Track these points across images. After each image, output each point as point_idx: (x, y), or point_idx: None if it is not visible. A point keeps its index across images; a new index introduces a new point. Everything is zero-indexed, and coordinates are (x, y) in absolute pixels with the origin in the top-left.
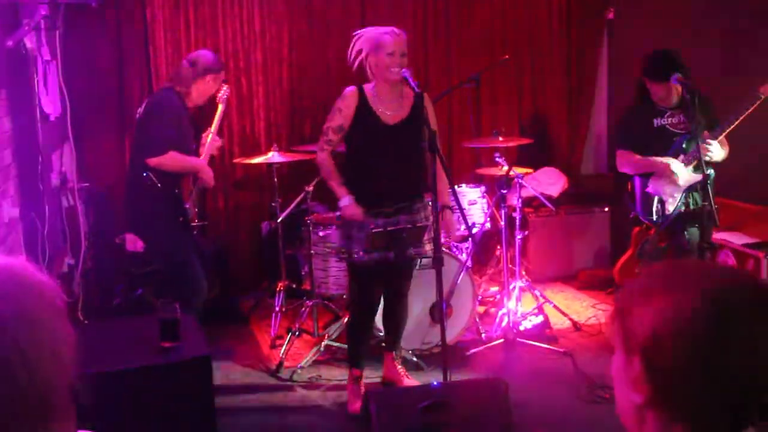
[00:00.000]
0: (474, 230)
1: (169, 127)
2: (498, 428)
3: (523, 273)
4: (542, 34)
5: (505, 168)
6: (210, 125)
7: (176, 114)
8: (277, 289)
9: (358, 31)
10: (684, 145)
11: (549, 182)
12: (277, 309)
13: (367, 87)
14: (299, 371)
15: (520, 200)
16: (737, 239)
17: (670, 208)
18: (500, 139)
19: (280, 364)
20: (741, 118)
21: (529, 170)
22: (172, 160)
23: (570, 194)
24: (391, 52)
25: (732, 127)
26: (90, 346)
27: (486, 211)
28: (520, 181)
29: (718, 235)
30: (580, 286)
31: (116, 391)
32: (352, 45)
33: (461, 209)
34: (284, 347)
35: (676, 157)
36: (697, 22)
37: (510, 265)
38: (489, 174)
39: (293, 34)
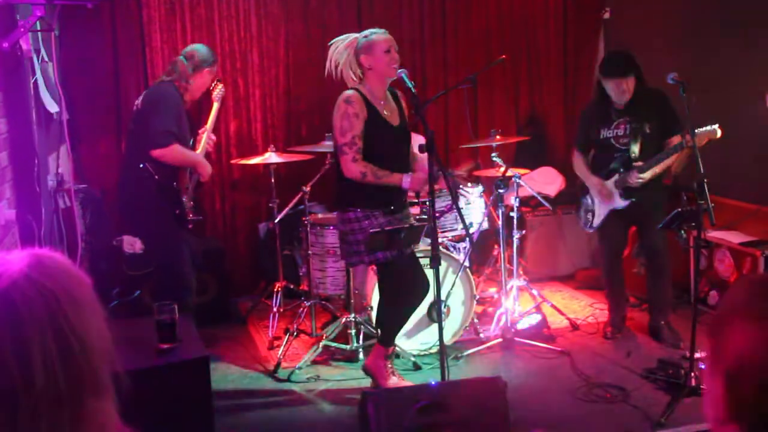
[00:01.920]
0: (471, 230)
1: (171, 119)
2: (496, 427)
3: (521, 272)
4: (539, 34)
5: (503, 168)
6: (204, 123)
7: (177, 107)
8: (275, 289)
9: (334, 40)
10: (621, 170)
11: (546, 182)
12: (274, 310)
13: (363, 89)
14: (297, 372)
15: (517, 200)
16: (734, 238)
17: (596, 222)
18: (498, 137)
19: (278, 365)
20: (664, 163)
21: (527, 170)
22: (175, 152)
23: (567, 194)
24: (387, 48)
25: (657, 168)
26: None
27: (484, 210)
28: (517, 180)
29: (715, 234)
30: (578, 286)
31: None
32: (330, 56)
33: (458, 209)
34: (282, 348)
35: (611, 175)
36: (693, 22)
37: (508, 265)
38: (486, 174)
39: (289, 35)
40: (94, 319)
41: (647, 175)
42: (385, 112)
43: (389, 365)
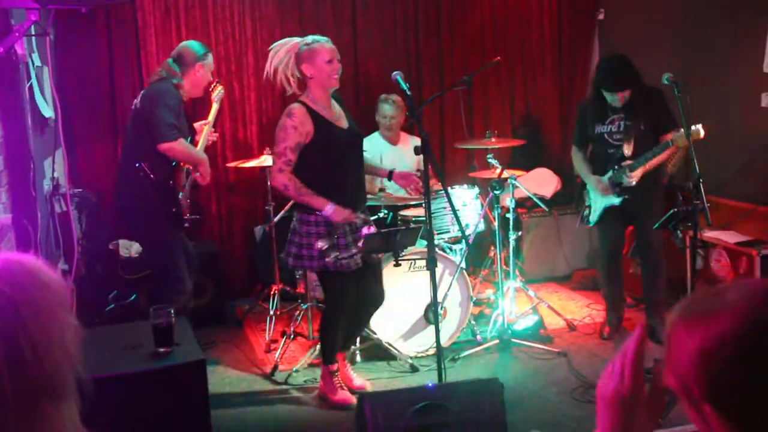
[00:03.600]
0: (467, 231)
1: (173, 114)
2: (493, 429)
3: (517, 273)
4: (533, 35)
5: (499, 169)
6: (202, 124)
7: (177, 104)
8: (271, 292)
9: (275, 45)
10: (615, 167)
11: (542, 183)
12: (271, 312)
13: (307, 100)
14: (294, 374)
15: (513, 201)
16: (730, 237)
17: (593, 217)
18: (493, 140)
19: (275, 368)
20: (652, 161)
21: (522, 171)
22: (181, 146)
23: (563, 195)
24: (330, 59)
25: (647, 165)
26: (84, 352)
27: (480, 212)
28: (513, 182)
29: (711, 234)
30: (575, 287)
31: (111, 397)
32: (270, 59)
33: (454, 211)
34: (279, 351)
35: (605, 172)
36: (687, 22)
37: (504, 266)
38: (482, 176)
39: (284, 37)
40: (55, 326)
41: (638, 173)
42: (333, 119)
43: (336, 379)
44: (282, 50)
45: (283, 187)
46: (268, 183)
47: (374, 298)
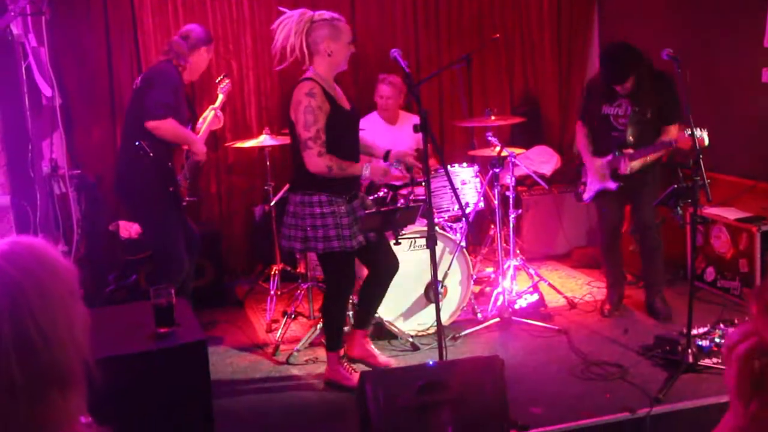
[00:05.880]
0: (467, 210)
1: (168, 94)
2: (493, 406)
3: (518, 252)
4: (532, 15)
5: (498, 147)
6: (203, 114)
7: (175, 84)
8: (272, 272)
9: (289, 13)
10: (616, 152)
11: (542, 161)
12: (272, 293)
13: (317, 78)
14: (295, 354)
15: (513, 179)
16: (730, 214)
17: (587, 195)
18: (492, 118)
19: (276, 347)
20: (651, 155)
21: (522, 149)
22: (169, 125)
23: (563, 172)
24: (351, 40)
25: (648, 158)
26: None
27: (479, 190)
28: (512, 160)
29: (711, 210)
30: (575, 264)
31: (112, 377)
32: (283, 24)
33: (454, 189)
34: (280, 330)
35: (609, 152)
36: (687, 3)
37: (504, 244)
38: (482, 154)
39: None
40: (63, 312)
41: (636, 164)
42: (340, 99)
43: (346, 363)
44: (296, 18)
45: (327, 170)
46: (267, 162)
47: (389, 267)
